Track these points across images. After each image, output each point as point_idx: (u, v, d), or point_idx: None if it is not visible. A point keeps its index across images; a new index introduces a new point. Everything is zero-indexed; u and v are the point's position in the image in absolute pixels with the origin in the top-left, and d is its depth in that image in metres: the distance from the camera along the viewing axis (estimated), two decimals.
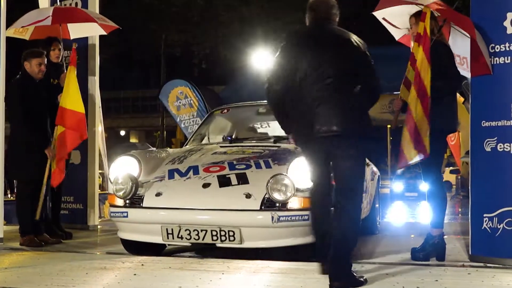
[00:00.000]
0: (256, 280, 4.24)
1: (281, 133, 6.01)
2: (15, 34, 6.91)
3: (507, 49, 5.01)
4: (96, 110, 7.84)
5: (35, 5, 7.85)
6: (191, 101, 11.78)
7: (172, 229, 4.65)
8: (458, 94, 6.99)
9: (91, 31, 7.36)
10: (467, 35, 5.13)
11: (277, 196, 4.52)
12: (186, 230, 4.62)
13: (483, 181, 5.16)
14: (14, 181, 9.90)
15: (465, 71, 5.29)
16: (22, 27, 6.66)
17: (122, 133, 51.00)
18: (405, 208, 8.26)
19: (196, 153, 5.65)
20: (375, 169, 7.69)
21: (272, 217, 4.49)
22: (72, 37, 7.15)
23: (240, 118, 7.11)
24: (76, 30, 7.16)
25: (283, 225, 4.51)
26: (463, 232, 6.11)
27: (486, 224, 5.06)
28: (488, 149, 5.09)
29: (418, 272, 4.70)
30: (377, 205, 7.57)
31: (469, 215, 5.25)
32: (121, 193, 4.86)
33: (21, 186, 6.49)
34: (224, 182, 4.83)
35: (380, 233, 7.39)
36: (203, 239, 4.63)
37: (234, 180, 4.83)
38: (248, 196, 4.62)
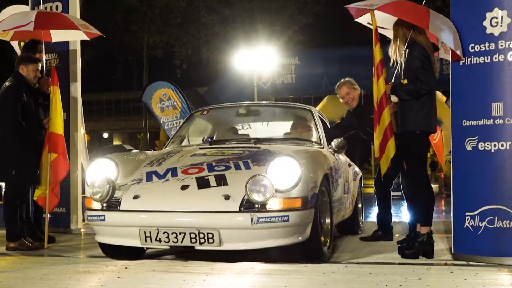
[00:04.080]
0: (240, 281, 4.23)
1: (262, 134, 6.28)
2: None
3: (487, 48, 5.05)
4: (78, 114, 7.83)
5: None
6: (175, 103, 11.76)
7: (150, 232, 4.51)
8: (440, 93, 7.06)
9: (73, 36, 7.34)
10: (447, 25, 5.19)
11: (256, 197, 4.35)
12: (164, 233, 4.47)
13: (464, 179, 5.20)
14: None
15: (448, 55, 5.32)
16: (4, 30, 6.60)
17: (105, 135, 50.87)
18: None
19: (175, 155, 5.48)
20: (357, 169, 7.73)
21: (251, 219, 4.33)
22: (53, 41, 7.15)
23: (221, 119, 6.95)
24: (58, 34, 7.12)
25: (263, 227, 4.36)
26: (446, 231, 6.16)
27: (468, 223, 5.10)
28: (469, 148, 5.13)
29: (402, 271, 4.74)
30: (359, 205, 7.60)
31: (452, 214, 5.29)
32: (97, 196, 4.71)
33: (11, 190, 6.42)
34: (202, 183, 4.66)
35: (364, 232, 7.35)
36: (181, 242, 4.49)
37: (213, 181, 4.67)
38: (227, 197, 4.45)
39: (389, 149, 5.06)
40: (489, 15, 5.04)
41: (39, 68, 6.28)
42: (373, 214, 9.60)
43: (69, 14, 7.53)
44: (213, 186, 4.59)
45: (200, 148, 5.70)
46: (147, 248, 4.89)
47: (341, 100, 6.80)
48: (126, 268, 4.70)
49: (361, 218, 7.66)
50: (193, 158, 5.22)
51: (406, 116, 5.23)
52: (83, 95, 8.21)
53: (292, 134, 6.33)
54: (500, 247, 4.96)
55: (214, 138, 6.25)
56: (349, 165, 7.05)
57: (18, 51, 7.05)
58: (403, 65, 5.28)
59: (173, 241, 4.45)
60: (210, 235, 4.37)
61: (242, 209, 4.38)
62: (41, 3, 7.70)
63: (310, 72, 20.95)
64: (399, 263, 5.11)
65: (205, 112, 6.96)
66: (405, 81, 5.23)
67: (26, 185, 6.22)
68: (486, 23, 5.05)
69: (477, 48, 5.11)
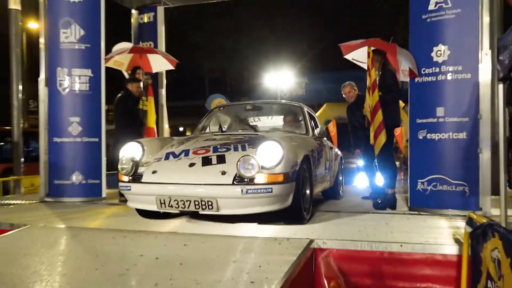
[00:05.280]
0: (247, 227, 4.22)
1: (263, 124, 5.82)
2: (114, 65, 6.84)
3: (433, 71, 5.03)
4: (164, 115, 7.95)
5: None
6: None
7: (164, 200, 4.03)
8: (401, 102, 6.98)
9: (163, 66, 7.27)
10: (408, 55, 5.15)
11: (245, 173, 3.86)
12: (175, 200, 3.99)
13: (417, 158, 5.19)
14: None
15: (406, 78, 5.27)
16: (105, 58, 6.51)
17: (181, 129, 51.28)
18: (365, 177, 8.30)
19: (192, 139, 4.92)
20: (338, 152, 7.10)
21: (242, 190, 3.84)
22: (153, 71, 7.17)
23: (233, 113, 6.17)
24: (155, 66, 7.12)
25: (251, 196, 3.86)
26: (404, 192, 6.12)
27: (419, 187, 5.09)
28: (420, 137, 5.12)
29: (374, 217, 4.74)
30: (340, 178, 6.91)
31: (408, 181, 5.28)
32: (124, 171, 4.28)
33: None
34: (206, 162, 4.15)
35: (344, 198, 6.80)
36: (188, 208, 3.99)
37: (214, 160, 4.16)
38: (223, 173, 3.96)
39: (381, 137, 5.04)
40: (435, 48, 5.01)
41: (140, 85, 6.37)
42: (356, 182, 9.49)
43: (157, 48, 7.64)
44: (214, 164, 4.10)
45: (214, 135, 5.14)
46: (163, 212, 4.30)
47: (344, 96, 6.62)
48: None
49: (341, 188, 6.95)
50: (205, 142, 4.70)
51: (383, 116, 5.17)
52: (167, 102, 8.33)
53: (285, 124, 5.73)
54: (440, 202, 4.95)
55: (226, 127, 5.74)
56: (331, 148, 6.41)
57: (126, 76, 7.12)
58: (379, 82, 5.23)
59: (181, 207, 4.00)
60: (210, 203, 3.92)
61: (235, 182, 3.89)
62: (140, 42, 7.83)
63: (314, 87, 20.95)
64: (373, 213, 5.09)
65: (222, 108, 6.35)
66: (380, 93, 5.17)
67: None
68: (433, 54, 5.03)
69: (427, 71, 5.08)
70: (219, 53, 27.89)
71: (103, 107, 6.45)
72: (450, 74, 4.93)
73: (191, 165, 4.15)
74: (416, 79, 5.16)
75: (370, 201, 5.78)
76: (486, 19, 4.87)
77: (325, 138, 6.01)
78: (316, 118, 6.31)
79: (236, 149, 4.32)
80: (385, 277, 3.44)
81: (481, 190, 4.79)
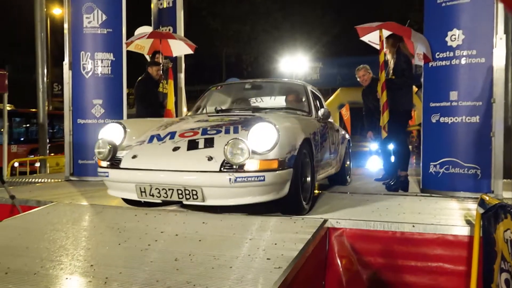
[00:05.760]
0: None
1: (264, 104, 5.12)
2: (135, 49, 6.83)
3: (447, 56, 4.94)
4: (183, 98, 7.94)
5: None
6: None
7: (144, 188, 3.48)
8: (414, 86, 6.87)
9: (183, 50, 7.24)
10: (423, 39, 5.05)
11: (233, 159, 3.28)
12: (156, 189, 3.44)
13: (430, 141, 5.13)
14: None
15: (421, 62, 5.18)
16: (126, 43, 6.51)
17: None
18: (378, 160, 8.25)
19: (183, 121, 4.34)
20: (346, 134, 6.48)
21: (230, 178, 3.26)
22: (174, 55, 7.16)
23: (231, 93, 5.47)
24: (175, 50, 7.09)
25: (241, 185, 3.28)
26: (416, 174, 6.07)
27: (432, 169, 5.04)
28: (433, 120, 5.05)
29: (387, 198, 4.72)
30: (347, 163, 6.29)
31: (421, 164, 5.23)
32: (100, 156, 3.72)
33: None
34: (192, 145, 3.57)
35: (358, 180, 6.61)
36: (170, 197, 3.44)
37: (201, 144, 3.57)
38: (210, 158, 3.36)
39: (384, 117, 5.00)
40: (449, 33, 4.91)
41: (160, 68, 6.37)
42: (367, 165, 9.43)
43: (176, 33, 7.61)
44: (200, 148, 3.52)
45: (208, 116, 4.53)
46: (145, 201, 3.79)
47: (358, 79, 6.52)
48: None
49: (349, 173, 6.37)
50: (195, 123, 4.10)
51: (394, 100, 5.12)
52: (185, 86, 8.31)
53: (287, 105, 5.03)
54: (452, 185, 4.90)
55: (223, 107, 4.99)
56: (337, 131, 5.73)
57: (148, 59, 7.12)
58: (392, 66, 5.17)
59: (163, 196, 3.46)
60: (194, 192, 3.35)
61: (222, 169, 3.31)
62: (160, 27, 7.80)
63: (329, 72, 20.76)
64: (385, 194, 5.06)
65: (219, 87, 5.58)
66: (393, 77, 5.13)
67: None
68: (447, 38, 4.93)
69: (441, 55, 4.99)
70: (236, 38, 27.74)
71: (125, 90, 6.48)
72: (464, 58, 4.83)
73: (175, 149, 3.57)
74: (430, 64, 5.07)
75: (382, 183, 5.75)
76: (501, 4, 4.74)
77: (331, 120, 5.57)
78: (321, 98, 5.74)
79: (227, 131, 3.74)
80: (397, 256, 3.43)
81: (493, 173, 4.72)
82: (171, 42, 6.86)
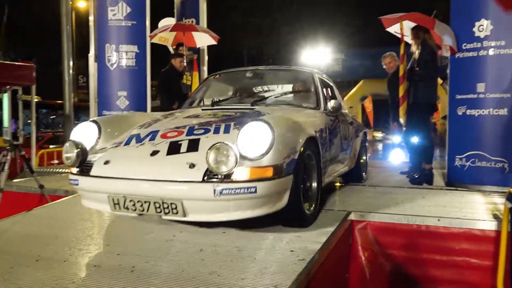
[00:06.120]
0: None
1: (268, 95, 4.51)
2: (159, 41, 6.87)
3: (475, 46, 4.84)
4: None
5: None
6: None
7: (118, 200, 2.90)
8: (439, 79, 6.74)
9: (206, 41, 7.28)
10: (448, 30, 4.96)
11: (217, 167, 2.68)
12: (130, 201, 2.86)
13: (456, 134, 5.05)
14: None
15: (448, 53, 5.07)
16: (150, 35, 6.59)
17: None
18: (402, 152, 8.18)
19: (171, 116, 3.78)
20: (361, 126, 5.78)
21: (214, 190, 2.67)
22: (197, 46, 7.22)
23: (230, 82, 4.85)
24: (199, 41, 7.15)
25: (227, 198, 2.70)
26: (440, 168, 5.97)
27: (457, 162, 4.97)
28: (460, 113, 4.97)
29: (411, 192, 4.66)
30: (363, 159, 5.64)
31: (446, 157, 5.15)
32: (68, 162, 3.10)
33: None
34: (173, 149, 2.98)
35: (381, 173, 6.38)
36: (147, 211, 2.85)
37: (184, 147, 2.98)
38: (191, 166, 2.77)
39: (401, 109, 4.99)
40: (477, 23, 4.79)
41: (183, 60, 6.41)
42: (390, 157, 9.31)
43: (199, 25, 7.64)
44: (182, 152, 2.93)
45: (202, 110, 3.99)
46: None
47: (384, 66, 6.39)
48: None
49: (365, 170, 5.74)
50: (184, 120, 3.57)
51: (417, 92, 5.04)
52: None
53: (292, 96, 4.42)
54: (478, 178, 4.82)
55: (221, 99, 4.35)
56: (350, 124, 5.04)
57: (172, 51, 7.17)
58: (417, 57, 5.08)
59: (139, 209, 2.87)
60: (173, 206, 2.78)
61: (205, 178, 2.71)
62: (183, 18, 7.84)
63: (351, 64, 20.58)
64: (409, 187, 5.00)
65: (218, 76, 4.89)
66: (417, 68, 5.04)
67: None
68: (475, 29, 4.81)
69: (468, 46, 4.90)
70: (257, 30, 27.67)
71: (149, 82, 6.54)
72: (492, 49, 4.72)
73: (154, 153, 2.98)
74: (457, 55, 4.97)
75: (406, 176, 5.67)
76: None
77: (345, 111, 5.11)
78: (333, 87, 5.07)
79: (217, 130, 3.17)
80: (422, 250, 3.39)
81: None
82: (195, 33, 6.89)
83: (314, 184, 3.40)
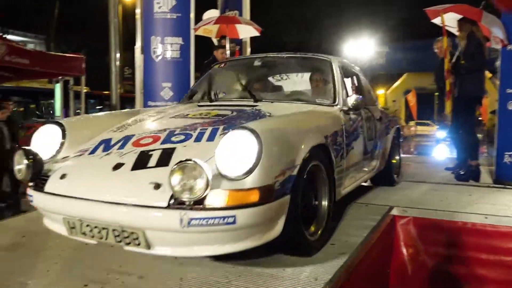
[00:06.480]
0: None
1: (280, 86, 3.98)
2: (203, 33, 6.90)
3: None
4: None
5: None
6: None
7: (74, 223, 2.31)
8: (487, 72, 6.45)
9: (249, 33, 7.26)
10: (497, 21, 4.75)
11: (181, 193, 2.04)
12: (87, 225, 2.27)
13: (505, 129, 4.85)
14: None
15: (498, 45, 4.86)
16: (194, 28, 6.58)
17: None
18: (445, 148, 7.96)
19: (156, 116, 3.14)
20: (393, 121, 4.95)
21: (181, 220, 2.05)
22: (240, 37, 7.22)
23: (236, 73, 4.04)
24: (242, 32, 7.15)
25: (198, 230, 2.07)
26: (488, 165, 5.75)
27: (507, 159, 4.79)
28: (510, 108, 4.78)
29: (456, 189, 4.53)
30: (395, 159, 4.87)
31: (495, 153, 4.96)
32: (19, 175, 2.52)
33: None
34: (140, 162, 2.34)
35: (425, 168, 6.01)
36: (106, 239, 2.24)
37: (154, 159, 2.34)
38: (156, 186, 2.14)
39: (447, 105, 4.85)
40: None
41: (225, 51, 6.46)
42: (435, 153, 9.02)
43: (242, 16, 7.67)
44: (149, 167, 2.29)
45: (198, 105, 3.38)
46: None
47: (436, 51, 6.15)
48: None
49: (397, 171, 4.96)
50: (168, 121, 2.95)
51: (463, 85, 4.86)
52: None
53: (304, 90, 3.77)
54: None
55: (225, 93, 3.77)
56: (379, 119, 4.25)
57: (215, 43, 7.23)
58: (463, 50, 4.89)
59: (98, 237, 2.26)
60: (134, 236, 2.17)
61: (171, 204, 2.08)
62: (226, 10, 7.89)
63: (395, 57, 20.16)
64: (455, 184, 4.85)
65: (223, 65, 4.24)
66: (463, 62, 4.85)
67: None
68: None
69: None
70: (300, 23, 27.50)
71: (192, 73, 6.62)
72: None
73: (117, 167, 2.34)
74: (508, 47, 4.77)
75: (451, 173, 5.50)
76: None
77: (375, 105, 4.49)
78: (360, 76, 4.30)
79: (199, 137, 2.51)
80: (467, 248, 3.29)
81: None
82: (238, 25, 6.93)
83: (325, 202, 2.74)
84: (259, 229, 2.20)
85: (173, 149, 2.40)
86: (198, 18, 6.96)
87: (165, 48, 6.49)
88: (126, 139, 2.64)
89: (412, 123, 21.73)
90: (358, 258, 2.55)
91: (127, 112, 3.46)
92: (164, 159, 2.32)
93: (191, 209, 2.05)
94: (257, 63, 3.96)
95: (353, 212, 3.40)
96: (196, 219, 2.04)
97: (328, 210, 2.73)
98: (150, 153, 2.40)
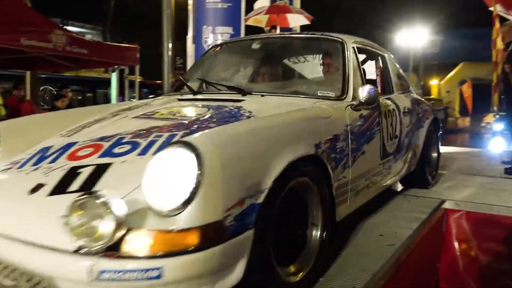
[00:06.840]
0: None
1: (276, 74, 3.29)
2: (254, 23, 6.90)
3: None
4: None
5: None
6: None
7: None
8: None
9: (300, 21, 7.22)
10: None
11: (80, 236, 1.46)
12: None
13: None
14: None
15: None
16: (245, 18, 6.66)
17: None
18: (502, 141, 7.61)
19: (120, 115, 2.48)
20: (427, 111, 4.03)
21: (91, 270, 1.43)
22: (290, 26, 7.15)
23: (233, 56, 3.38)
24: (292, 21, 7.10)
25: (112, 286, 1.44)
26: None
27: None
28: None
29: (505, 182, 4.33)
30: (434, 155, 4.22)
31: None
32: None
33: None
34: (62, 183, 1.76)
35: (479, 162, 5.61)
36: (19, 282, 1.64)
37: (80, 179, 1.74)
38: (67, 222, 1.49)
39: (494, 98, 4.64)
40: None
41: None
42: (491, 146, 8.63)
43: (292, 5, 7.62)
44: (69, 192, 1.69)
45: (179, 100, 2.75)
46: None
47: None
48: None
49: (433, 171, 4.18)
50: (126, 122, 2.30)
51: None
52: None
53: (309, 78, 3.20)
54: None
55: (212, 82, 2.89)
56: (408, 112, 3.49)
57: (266, 32, 7.24)
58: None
59: (11, 278, 1.67)
60: (44, 284, 1.57)
61: (81, 247, 1.47)
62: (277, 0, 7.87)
63: (451, 45, 19.42)
64: (503, 177, 4.59)
65: (219, 48, 3.47)
66: None
67: None
68: None
69: None
70: (352, 10, 26.95)
71: None
72: None
73: (35, 189, 1.78)
74: None
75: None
76: None
77: (409, 92, 3.87)
78: (386, 58, 3.62)
79: (148, 147, 1.90)
80: None
81: None
82: (288, 14, 6.89)
83: (315, 232, 2.07)
84: (203, 281, 1.53)
85: (108, 165, 1.80)
86: (249, 8, 6.98)
87: (216, 38, 6.58)
88: (65, 148, 2.07)
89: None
90: (407, 250, 2.51)
91: (102, 107, 2.88)
92: (90, 181, 1.72)
93: (104, 255, 1.45)
94: (255, 46, 3.26)
95: (403, 204, 3.34)
96: (107, 271, 1.44)
97: (320, 240, 2.05)
98: (80, 170, 1.82)
